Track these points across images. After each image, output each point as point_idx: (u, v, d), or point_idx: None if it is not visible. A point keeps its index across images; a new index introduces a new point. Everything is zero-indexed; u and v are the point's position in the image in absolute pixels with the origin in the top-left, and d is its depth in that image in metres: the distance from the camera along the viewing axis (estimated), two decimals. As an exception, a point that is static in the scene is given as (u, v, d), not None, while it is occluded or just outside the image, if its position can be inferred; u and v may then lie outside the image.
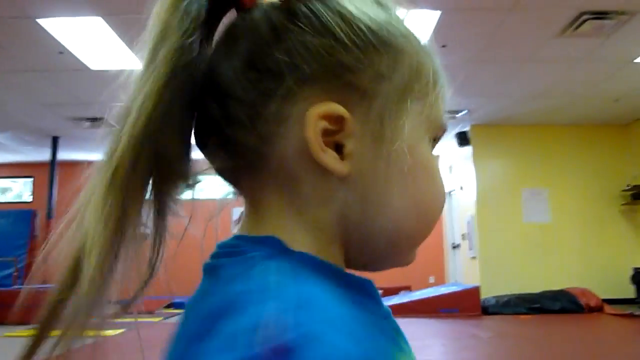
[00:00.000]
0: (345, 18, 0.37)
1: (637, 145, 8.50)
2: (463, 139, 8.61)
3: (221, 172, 0.42)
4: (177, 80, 0.36)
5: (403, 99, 0.39)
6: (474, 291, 7.02)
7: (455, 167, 9.79)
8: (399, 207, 0.39)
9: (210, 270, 0.38)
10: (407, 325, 5.92)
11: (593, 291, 7.38)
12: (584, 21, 4.86)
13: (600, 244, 8.34)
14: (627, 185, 8.25)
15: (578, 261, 8.32)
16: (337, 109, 0.37)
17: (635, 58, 5.74)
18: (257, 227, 0.39)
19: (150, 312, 8.15)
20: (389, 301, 7.44)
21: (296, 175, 0.38)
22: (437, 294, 7.17)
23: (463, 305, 6.91)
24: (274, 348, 0.26)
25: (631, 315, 6.38)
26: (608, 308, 6.99)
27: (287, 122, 0.37)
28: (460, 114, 7.77)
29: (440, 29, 4.96)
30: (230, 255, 0.37)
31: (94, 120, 7.54)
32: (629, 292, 7.78)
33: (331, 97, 0.37)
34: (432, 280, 10.61)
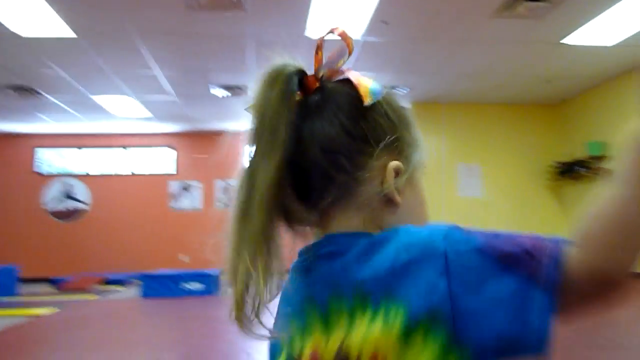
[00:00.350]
0: (398, 111, 0.62)
1: (565, 124, 8.98)
2: (402, 115, 8.78)
3: (315, 207, 0.60)
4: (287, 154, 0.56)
5: (414, 155, 0.63)
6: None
7: (395, 143, 9.99)
8: (413, 217, 0.63)
9: (352, 241, 0.56)
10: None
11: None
12: (519, 3, 5.02)
13: (528, 217, 8.81)
14: (554, 162, 8.73)
15: (507, 234, 8.76)
16: (400, 165, 0.59)
17: (562, 38, 6.00)
18: (348, 231, 0.58)
19: (85, 290, 7.92)
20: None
21: (372, 204, 0.58)
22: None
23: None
24: (450, 226, 0.54)
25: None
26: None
27: (372, 171, 0.58)
28: (401, 91, 7.90)
29: (382, 7, 4.98)
30: (357, 237, 0.56)
31: (19, 88, 7.12)
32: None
33: (392, 156, 0.59)
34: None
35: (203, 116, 9.23)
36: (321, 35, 0.60)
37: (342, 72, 0.60)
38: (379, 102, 0.58)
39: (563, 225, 8.96)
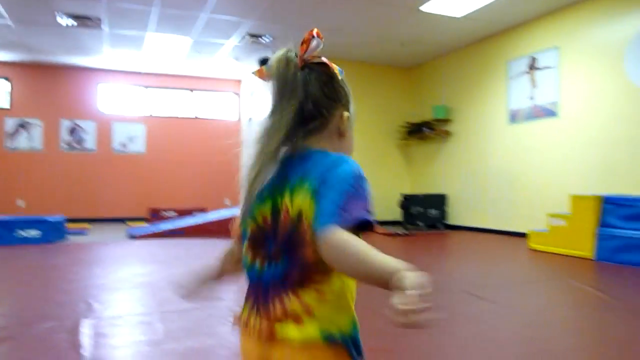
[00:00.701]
0: (346, 83, 1.03)
1: (416, 88, 9.61)
2: (266, 65, 8.70)
3: (309, 132, 0.95)
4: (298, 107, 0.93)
5: (351, 110, 1.01)
6: (266, 213, 7.38)
7: (257, 93, 9.91)
8: (349, 146, 1.00)
9: (315, 153, 0.91)
10: (201, 246, 6.02)
11: (368, 214, 8.37)
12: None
13: (380, 173, 9.40)
14: (404, 123, 9.35)
15: (358, 187, 9.28)
16: (348, 114, 0.99)
17: (421, 5, 6.35)
18: (322, 149, 0.93)
19: None
20: (184, 222, 7.44)
21: (334, 134, 0.97)
22: (229, 216, 7.37)
23: (255, 227, 7.24)
24: (358, 168, 0.87)
25: (396, 234, 7.45)
26: (379, 229, 8.03)
27: (335, 114, 0.97)
28: (264, 40, 7.80)
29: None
30: (323, 151, 0.91)
31: None
32: (398, 215, 9.00)
33: (344, 109, 0.99)
34: (227, 202, 10.85)
35: (46, 46, 8.26)
36: (306, 36, 0.99)
37: (319, 57, 0.99)
38: (340, 77, 1.01)
39: (407, 179, 9.73)
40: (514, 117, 7.27)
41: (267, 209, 0.90)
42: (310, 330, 0.83)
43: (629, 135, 5.61)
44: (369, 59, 9.13)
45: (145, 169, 10.15)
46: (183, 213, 9.22)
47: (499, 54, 7.55)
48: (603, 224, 5.07)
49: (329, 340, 0.83)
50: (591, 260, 5.00)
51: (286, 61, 0.95)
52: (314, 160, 0.89)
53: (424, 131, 8.86)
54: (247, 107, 10.61)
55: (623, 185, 5.62)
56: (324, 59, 1.00)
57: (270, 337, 0.84)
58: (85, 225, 8.55)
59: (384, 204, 9.30)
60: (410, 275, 0.72)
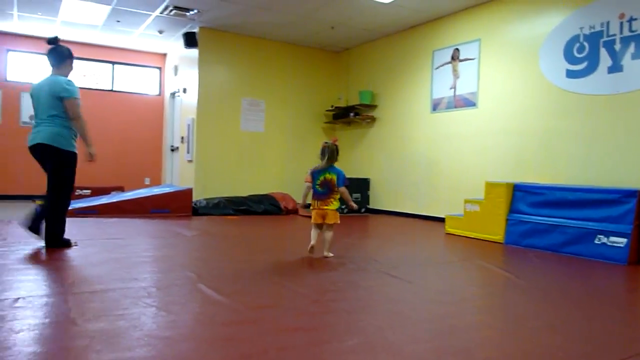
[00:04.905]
0: (337, 147, 4.32)
1: (344, 72, 9.69)
2: (191, 39, 8.44)
3: None
4: None
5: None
6: (186, 193, 7.21)
7: (181, 68, 9.59)
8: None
9: (335, 167, 4.18)
10: (116, 225, 5.78)
11: (292, 196, 8.40)
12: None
13: (305, 155, 9.43)
14: (331, 106, 9.41)
15: (283, 170, 9.29)
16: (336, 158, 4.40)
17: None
18: (335, 166, 4.25)
19: None
20: (99, 200, 7.12)
21: (334, 162, 4.20)
22: (149, 194, 7.14)
23: (174, 206, 7.06)
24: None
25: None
26: (302, 211, 8.08)
27: (336, 158, 4.30)
28: (190, 13, 7.54)
29: None
30: (336, 167, 4.20)
31: None
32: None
33: (337, 157, 4.34)
34: (147, 182, 10.49)
35: (-57, 4, 7.55)
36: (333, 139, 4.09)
37: (336, 142, 4.22)
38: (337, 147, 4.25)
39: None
40: (436, 106, 7.51)
41: (322, 177, 4.02)
42: (333, 206, 4.06)
43: (541, 127, 5.96)
44: (298, 41, 9.09)
45: (58, 143, 9.58)
46: (99, 192, 8.82)
47: (425, 43, 7.75)
48: (513, 210, 5.38)
49: (336, 209, 4.07)
50: (501, 244, 5.30)
51: (328, 145, 4.08)
52: (335, 168, 4.05)
53: (349, 116, 8.97)
54: (170, 82, 10.26)
55: (535, 174, 5.98)
56: (337, 143, 4.11)
57: (324, 208, 4.04)
58: (-12, 201, 7.96)
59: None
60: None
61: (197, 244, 4.81)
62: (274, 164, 9.21)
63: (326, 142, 4.11)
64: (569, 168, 5.64)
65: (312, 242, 4.07)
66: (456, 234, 5.92)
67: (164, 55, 10.59)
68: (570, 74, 5.64)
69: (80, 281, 3.01)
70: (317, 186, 4.04)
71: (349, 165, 9.37)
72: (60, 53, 4.20)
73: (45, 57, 4.20)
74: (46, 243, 4.09)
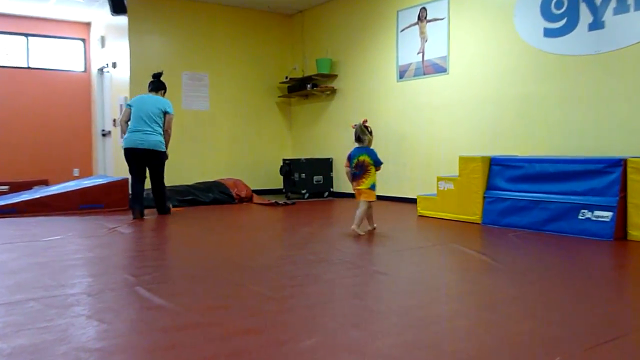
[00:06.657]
0: (369, 128, 5.38)
1: (298, 38, 9.63)
2: (118, 4, 8.21)
3: None
4: None
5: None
6: (122, 184, 7.08)
7: (109, 39, 9.35)
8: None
9: (368, 147, 5.16)
10: (40, 224, 5.65)
11: (245, 182, 8.36)
12: None
13: (257, 135, 9.39)
14: (285, 78, 9.36)
15: (234, 153, 9.23)
16: (370, 137, 5.39)
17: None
18: (368, 147, 5.23)
19: None
20: (19, 197, 6.93)
21: (368, 144, 5.28)
22: (77, 187, 6.98)
23: (108, 200, 6.94)
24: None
25: (276, 204, 7.52)
26: (256, 198, 8.06)
27: (368, 140, 5.25)
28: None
29: None
30: (369, 147, 5.13)
31: None
32: (279, 182, 9.09)
33: (371, 138, 5.29)
34: (76, 173, 10.27)
35: None
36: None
37: (367, 124, 5.18)
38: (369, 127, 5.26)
39: (289, 142, 9.82)
40: (403, 74, 7.58)
41: (356, 159, 4.90)
42: (367, 184, 4.89)
43: (518, 93, 6.09)
44: (244, 3, 8.99)
45: (-34, 132, 9.27)
46: (19, 187, 8.59)
47: (388, 3, 7.78)
48: (490, 186, 5.51)
49: (370, 187, 4.91)
50: (479, 224, 5.43)
51: (357, 126, 5.04)
52: (366, 149, 4.95)
53: (306, 88, 8.95)
54: (97, 56, 10.00)
55: (513, 145, 6.13)
56: (367, 124, 5.10)
57: (357, 188, 4.96)
58: None
59: (262, 170, 9.36)
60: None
61: (135, 242, 4.76)
62: (222, 147, 9.14)
63: (355, 125, 5.07)
64: (549, 138, 5.79)
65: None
66: (429, 215, 6.03)
67: (88, 24, 10.30)
68: (548, 33, 5.76)
69: (-3, 291, 2.94)
70: (353, 168, 4.96)
71: (309, 145, 9.38)
72: (162, 84, 6.48)
73: (149, 83, 6.49)
74: (159, 212, 6.54)
